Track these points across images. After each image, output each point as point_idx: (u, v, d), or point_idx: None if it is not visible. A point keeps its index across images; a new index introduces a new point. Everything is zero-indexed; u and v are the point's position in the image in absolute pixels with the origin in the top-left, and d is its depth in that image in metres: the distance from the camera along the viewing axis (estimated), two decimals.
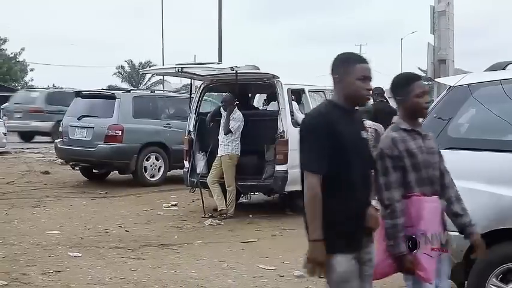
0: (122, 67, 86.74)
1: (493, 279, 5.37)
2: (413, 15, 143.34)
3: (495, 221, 5.32)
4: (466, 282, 5.62)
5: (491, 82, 5.94)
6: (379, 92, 14.15)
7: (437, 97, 6.61)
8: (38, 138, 29.30)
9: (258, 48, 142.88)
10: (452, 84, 6.10)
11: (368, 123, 11.24)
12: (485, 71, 6.15)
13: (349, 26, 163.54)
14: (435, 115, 5.96)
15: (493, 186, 5.39)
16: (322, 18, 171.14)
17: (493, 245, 5.38)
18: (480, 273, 5.43)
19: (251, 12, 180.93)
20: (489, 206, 5.37)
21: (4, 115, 28.74)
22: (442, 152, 5.50)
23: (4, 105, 31.28)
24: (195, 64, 13.39)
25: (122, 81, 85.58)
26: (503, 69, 6.01)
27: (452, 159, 5.72)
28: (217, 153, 12.08)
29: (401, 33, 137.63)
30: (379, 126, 10.70)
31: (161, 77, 60.32)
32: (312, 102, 12.62)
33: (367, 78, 4.39)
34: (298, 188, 11.96)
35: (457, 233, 5.44)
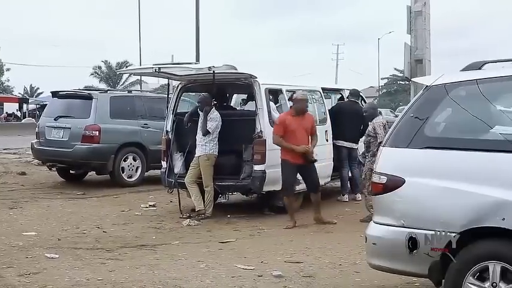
0: (99, 67, 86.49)
1: (470, 277, 5.39)
2: (390, 15, 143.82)
3: (472, 219, 5.35)
4: (443, 280, 5.64)
5: (467, 82, 5.98)
6: (355, 93, 14.26)
7: (414, 97, 6.65)
8: None
9: (238, 48, 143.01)
10: (428, 84, 6.13)
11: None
12: (461, 70, 6.19)
13: (328, 26, 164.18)
14: (412, 115, 5.99)
15: (469, 185, 5.42)
16: (300, 19, 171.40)
17: (470, 244, 5.42)
18: (457, 272, 5.45)
19: (231, 12, 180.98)
20: (466, 205, 5.40)
21: None
22: (418, 151, 5.57)
23: None
24: (172, 64, 13.37)
25: (99, 81, 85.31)
26: (479, 68, 6.04)
27: (429, 158, 5.78)
28: (195, 154, 12.07)
29: (378, 33, 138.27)
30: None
31: (138, 77, 60.15)
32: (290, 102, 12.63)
33: None
34: (276, 187, 12.13)
35: (435, 232, 5.49)
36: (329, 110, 14.31)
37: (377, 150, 11.21)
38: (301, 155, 11.14)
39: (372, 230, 6.00)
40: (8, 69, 77.14)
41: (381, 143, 11.27)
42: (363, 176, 11.66)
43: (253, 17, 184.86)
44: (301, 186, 12.46)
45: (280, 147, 11.26)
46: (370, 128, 11.58)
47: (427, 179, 5.63)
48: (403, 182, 5.73)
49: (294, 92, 11.76)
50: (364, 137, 12.03)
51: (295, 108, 11.22)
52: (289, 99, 11.79)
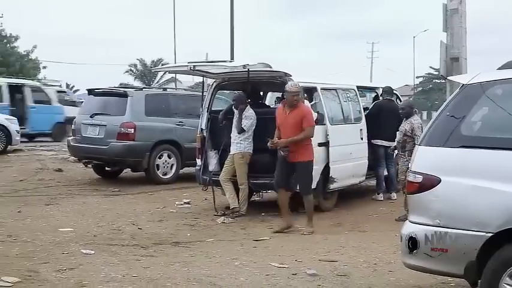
0: (134, 65, 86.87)
1: (507, 278, 5.35)
2: (426, 13, 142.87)
3: (508, 219, 5.30)
4: (479, 281, 5.59)
5: (504, 80, 5.92)
6: (387, 90, 14.18)
7: (450, 95, 6.60)
8: None
9: (272, 46, 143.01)
10: (465, 83, 6.09)
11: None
12: (498, 69, 6.13)
13: (362, 24, 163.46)
14: (448, 113, 5.95)
15: (506, 184, 5.37)
16: (335, 17, 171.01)
17: (506, 244, 5.37)
18: (493, 272, 5.41)
19: (266, 11, 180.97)
20: (502, 205, 5.35)
21: None
22: (454, 150, 5.53)
23: None
24: (207, 62, 13.40)
25: (134, 79, 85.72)
26: None
27: (465, 157, 5.73)
28: (230, 151, 12.09)
29: (414, 31, 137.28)
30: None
31: (173, 75, 60.43)
32: (324, 101, 12.60)
33: None
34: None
35: (469, 232, 5.45)
36: (368, 109, 14.27)
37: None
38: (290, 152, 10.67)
39: (407, 229, 5.97)
40: (44, 67, 77.52)
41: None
42: (402, 177, 11.51)
43: (287, 15, 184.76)
44: (338, 184, 12.47)
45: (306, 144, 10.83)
46: (407, 127, 11.49)
47: (463, 178, 5.58)
48: (439, 181, 5.69)
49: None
50: (398, 135, 11.89)
51: (286, 101, 10.78)
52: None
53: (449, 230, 5.58)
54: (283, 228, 10.78)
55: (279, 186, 10.96)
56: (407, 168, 11.20)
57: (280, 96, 14.30)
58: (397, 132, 11.83)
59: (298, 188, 11.01)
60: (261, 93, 14.13)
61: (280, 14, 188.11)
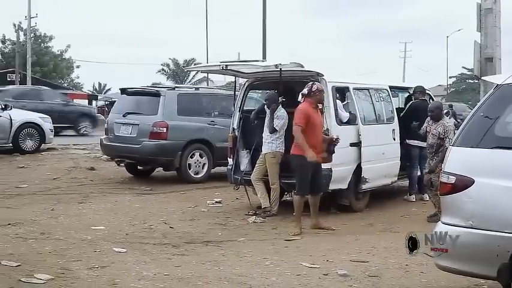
0: (167, 65, 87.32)
1: None
2: (459, 12, 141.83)
3: None
4: None
5: None
6: (420, 90, 14.05)
7: (484, 96, 6.55)
8: None
9: (304, 46, 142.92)
10: (499, 83, 6.04)
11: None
12: None
13: (395, 24, 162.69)
14: (482, 114, 5.91)
15: None
16: (367, 16, 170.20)
17: None
18: None
19: (296, 10, 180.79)
20: None
21: None
22: (488, 151, 5.47)
23: None
24: (239, 62, 13.40)
25: (167, 78, 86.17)
26: None
27: (498, 158, 5.67)
28: (261, 151, 12.09)
29: (447, 30, 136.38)
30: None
31: (205, 75, 60.61)
32: (357, 101, 12.56)
33: None
34: (342, 186, 12.02)
35: (503, 233, 5.40)
36: (401, 109, 14.20)
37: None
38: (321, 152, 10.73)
39: (440, 230, 5.93)
40: (78, 67, 78.32)
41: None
42: (435, 179, 11.41)
43: (318, 14, 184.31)
44: (370, 184, 12.43)
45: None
46: (440, 129, 11.37)
47: (496, 180, 5.54)
48: (473, 182, 5.65)
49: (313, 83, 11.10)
50: (431, 139, 11.68)
51: (314, 101, 10.77)
52: (307, 94, 10.81)
53: (482, 232, 5.53)
54: (300, 230, 10.69)
55: (307, 194, 10.98)
56: (429, 170, 11.25)
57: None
58: (430, 135, 11.65)
59: (313, 187, 10.91)
60: (295, 92, 14.10)
61: (315, 12, 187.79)
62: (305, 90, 10.71)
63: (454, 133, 11.02)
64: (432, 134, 11.52)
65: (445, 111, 13.04)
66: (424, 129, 11.90)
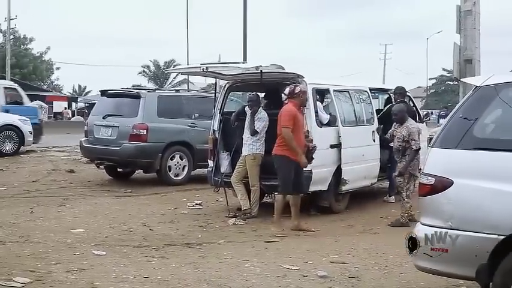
0: (147, 66, 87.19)
1: None
2: (439, 14, 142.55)
3: None
4: (491, 283, 5.56)
5: None
6: (400, 91, 14.07)
7: (463, 97, 6.57)
8: None
9: (286, 47, 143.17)
10: (478, 84, 6.06)
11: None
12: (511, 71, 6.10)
13: (375, 26, 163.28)
14: (461, 115, 5.93)
15: None
16: (347, 18, 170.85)
17: None
18: (505, 275, 5.38)
19: (279, 12, 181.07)
20: None
21: None
22: (467, 152, 5.49)
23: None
24: (219, 63, 13.40)
25: (148, 80, 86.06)
26: None
27: (478, 159, 5.70)
28: (242, 153, 12.08)
29: (427, 32, 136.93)
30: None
31: (186, 77, 60.49)
32: (337, 102, 12.58)
33: None
34: (323, 187, 12.03)
35: (481, 234, 5.42)
36: (383, 111, 14.23)
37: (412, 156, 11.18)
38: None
39: (419, 231, 5.94)
40: (57, 69, 78.08)
41: (416, 150, 11.19)
42: (400, 180, 11.45)
43: (300, 16, 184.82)
44: (350, 186, 12.45)
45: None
46: (404, 132, 11.30)
47: (475, 181, 5.55)
48: (452, 183, 5.66)
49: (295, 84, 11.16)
50: (396, 142, 11.61)
51: (297, 102, 10.86)
52: (288, 95, 10.92)
53: (461, 233, 5.55)
54: (282, 229, 10.76)
55: (289, 193, 11.02)
56: (410, 174, 11.26)
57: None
58: (395, 139, 11.57)
59: (296, 187, 10.98)
60: (280, 94, 14.10)
61: (297, 13, 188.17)
62: (287, 91, 10.72)
63: (419, 135, 11.12)
64: (397, 137, 11.43)
65: (442, 112, 12.98)
66: (390, 133, 11.85)
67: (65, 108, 69.14)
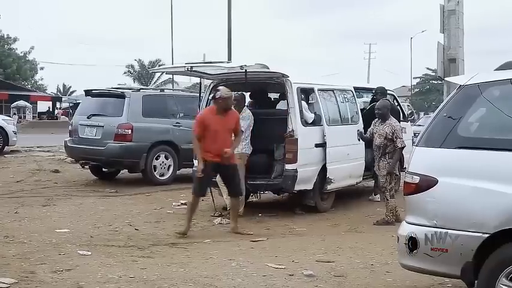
0: (132, 66, 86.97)
1: (503, 278, 5.34)
2: (423, 14, 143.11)
3: (505, 220, 5.30)
4: (476, 281, 5.59)
5: (502, 81, 5.92)
6: (382, 91, 14.13)
7: (447, 96, 6.60)
8: None
9: (271, 47, 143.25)
10: (462, 84, 6.09)
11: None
12: (495, 70, 6.14)
13: (360, 25, 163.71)
14: (445, 114, 5.96)
15: (503, 185, 5.37)
16: (332, 18, 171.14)
17: (503, 245, 5.37)
18: (490, 273, 5.41)
19: (263, 11, 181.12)
20: (499, 206, 5.35)
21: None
22: (451, 151, 5.52)
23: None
24: (204, 63, 13.40)
25: (133, 80, 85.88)
26: None
27: (462, 158, 5.73)
28: None
29: (411, 32, 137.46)
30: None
31: (170, 76, 60.37)
32: (322, 101, 12.61)
33: None
34: (308, 187, 12.05)
35: (466, 232, 5.45)
36: (365, 110, 14.27)
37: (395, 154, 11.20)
38: (220, 153, 10.41)
39: (404, 230, 5.97)
40: (41, 68, 77.84)
41: (402, 148, 11.21)
42: (382, 180, 11.48)
43: (285, 16, 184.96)
44: (335, 185, 12.48)
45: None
46: (387, 130, 11.26)
47: (460, 179, 5.59)
48: (436, 182, 5.70)
49: (217, 88, 10.96)
50: (378, 139, 11.59)
51: (218, 106, 10.49)
52: (212, 98, 10.96)
53: (446, 231, 5.58)
54: (187, 230, 10.42)
55: (199, 195, 10.80)
56: (389, 173, 11.27)
57: (277, 97, 14.26)
58: (376, 136, 11.55)
59: (230, 190, 10.91)
60: (267, 93, 14.11)
61: (282, 13, 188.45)
62: (211, 95, 10.63)
63: (402, 133, 11.14)
64: (379, 134, 11.36)
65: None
66: (370, 131, 11.82)
67: (59, 108, 69.12)
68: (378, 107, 11.77)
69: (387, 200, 11.38)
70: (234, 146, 10.70)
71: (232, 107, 12.04)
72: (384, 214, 11.45)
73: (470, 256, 5.47)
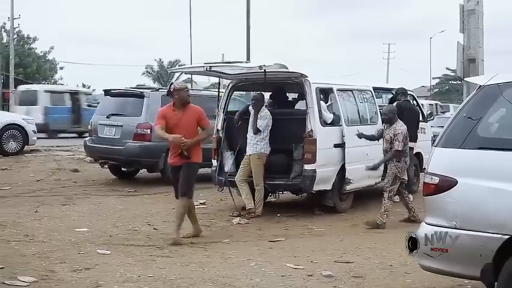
0: (151, 66, 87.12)
1: None
2: (443, 13, 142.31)
3: None
4: (495, 283, 5.56)
5: None
6: (402, 91, 14.06)
7: (467, 97, 6.57)
8: None
9: (289, 47, 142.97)
10: (481, 84, 6.06)
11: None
12: None
13: (379, 25, 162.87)
14: (465, 115, 5.93)
15: None
16: (351, 18, 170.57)
17: None
18: (510, 275, 5.38)
19: (282, 12, 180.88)
20: None
21: None
22: (471, 151, 5.49)
23: None
24: (223, 63, 13.41)
25: (153, 81, 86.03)
26: None
27: (482, 159, 5.70)
28: (246, 152, 12.10)
29: (430, 32, 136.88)
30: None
31: (189, 76, 60.47)
32: (341, 102, 12.58)
33: None
34: (326, 187, 12.00)
35: (486, 234, 5.42)
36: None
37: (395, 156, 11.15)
38: (177, 155, 9.95)
39: (423, 231, 5.95)
40: (61, 68, 78.05)
41: (398, 151, 11.11)
42: (387, 180, 11.42)
43: (305, 16, 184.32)
44: (354, 185, 12.44)
45: None
46: (391, 134, 11.24)
47: (480, 180, 5.56)
48: (456, 182, 5.67)
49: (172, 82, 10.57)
50: (384, 144, 11.49)
51: (175, 101, 10.03)
52: (167, 94, 10.44)
53: (466, 232, 5.56)
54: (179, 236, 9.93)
55: (178, 197, 10.19)
56: (394, 174, 11.19)
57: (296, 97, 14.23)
58: (384, 140, 11.51)
59: (178, 190, 10.15)
60: (286, 93, 14.10)
61: (301, 13, 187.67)
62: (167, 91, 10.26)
63: (403, 137, 11.01)
64: (385, 139, 11.34)
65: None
66: (379, 130, 11.80)
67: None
68: (383, 111, 11.77)
69: (384, 200, 11.31)
70: (198, 139, 10.00)
71: (250, 107, 12.07)
72: (378, 215, 11.33)
73: (490, 257, 5.44)
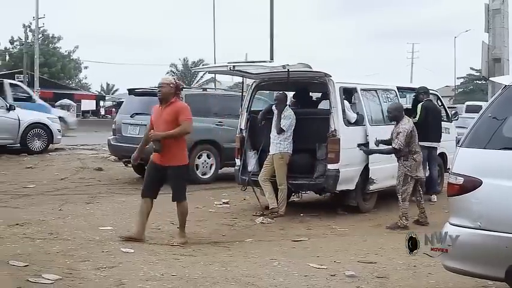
0: (175, 66, 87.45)
1: None
2: (468, 13, 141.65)
3: None
4: None
5: None
6: (424, 91, 13.98)
7: (492, 96, 6.53)
8: None
9: (313, 46, 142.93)
10: (507, 84, 6.02)
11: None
12: None
13: (403, 25, 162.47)
14: (490, 115, 5.89)
15: None
16: (376, 17, 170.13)
17: None
18: None
19: (305, 11, 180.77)
20: None
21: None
22: (496, 152, 5.45)
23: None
24: (246, 62, 13.40)
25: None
26: None
27: (507, 159, 5.66)
28: (269, 152, 12.09)
29: (455, 31, 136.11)
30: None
31: (213, 76, 60.64)
32: (364, 101, 12.54)
33: None
34: (350, 187, 11.96)
35: (511, 235, 5.38)
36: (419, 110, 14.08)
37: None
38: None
39: (448, 231, 5.91)
40: (85, 67, 78.66)
41: (396, 149, 11.01)
42: (398, 181, 11.33)
43: (327, 16, 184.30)
44: (378, 185, 12.40)
45: None
46: (396, 131, 11.19)
47: (505, 181, 5.52)
48: (481, 183, 5.64)
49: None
50: (393, 143, 11.44)
51: (159, 97, 9.69)
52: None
53: (490, 233, 5.52)
54: (130, 237, 9.61)
55: (143, 196, 9.99)
56: (404, 174, 11.07)
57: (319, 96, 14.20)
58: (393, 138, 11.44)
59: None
60: (309, 93, 14.08)
61: (325, 13, 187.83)
62: None
63: (406, 136, 10.87)
64: (393, 138, 11.29)
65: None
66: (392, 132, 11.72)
67: (102, 106, 69.70)
68: (388, 109, 11.69)
69: (399, 203, 11.21)
70: (168, 133, 9.52)
71: (273, 107, 12.05)
72: (398, 218, 11.22)
73: None
